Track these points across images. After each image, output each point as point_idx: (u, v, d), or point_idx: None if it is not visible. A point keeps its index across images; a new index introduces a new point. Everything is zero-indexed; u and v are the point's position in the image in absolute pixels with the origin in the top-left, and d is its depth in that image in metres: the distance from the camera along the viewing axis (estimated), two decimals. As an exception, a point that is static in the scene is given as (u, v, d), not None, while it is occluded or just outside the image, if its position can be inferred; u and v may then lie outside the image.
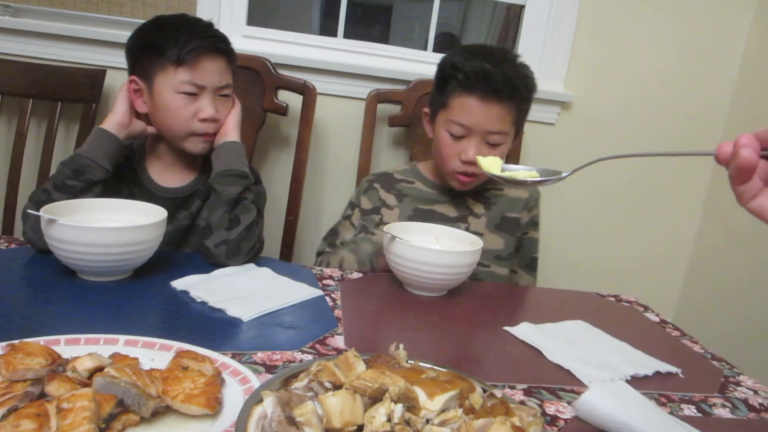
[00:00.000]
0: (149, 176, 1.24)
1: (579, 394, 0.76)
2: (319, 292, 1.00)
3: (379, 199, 1.35)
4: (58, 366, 0.58)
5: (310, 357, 0.77)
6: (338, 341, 0.84)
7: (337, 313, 0.94)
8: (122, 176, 1.21)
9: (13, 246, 1.03)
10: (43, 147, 1.62)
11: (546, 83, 1.85)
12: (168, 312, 0.85)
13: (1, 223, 1.60)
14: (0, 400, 0.51)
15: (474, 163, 1.21)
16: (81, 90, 1.64)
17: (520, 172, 0.96)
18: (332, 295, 1.01)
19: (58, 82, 1.62)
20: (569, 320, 1.03)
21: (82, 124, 1.65)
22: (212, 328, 0.81)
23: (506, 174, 0.98)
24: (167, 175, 1.24)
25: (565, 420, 0.71)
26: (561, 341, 0.92)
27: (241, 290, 0.96)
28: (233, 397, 0.60)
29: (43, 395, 0.55)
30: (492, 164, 1.00)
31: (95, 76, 1.66)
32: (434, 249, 1.05)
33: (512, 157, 1.77)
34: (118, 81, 1.73)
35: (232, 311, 0.86)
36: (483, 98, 1.20)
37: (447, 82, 1.24)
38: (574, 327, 1.00)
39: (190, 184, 1.25)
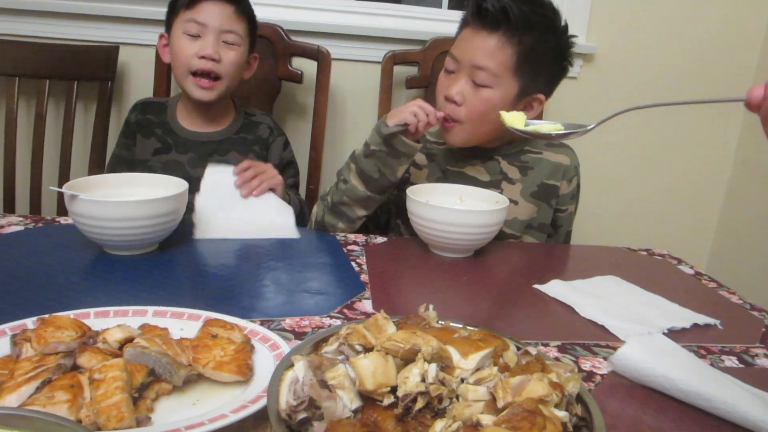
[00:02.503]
0: (180, 125, 1.34)
1: (615, 349, 0.75)
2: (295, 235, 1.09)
3: None
4: (88, 338, 0.58)
5: (338, 322, 0.77)
6: (366, 305, 0.83)
7: (363, 277, 0.93)
8: (154, 131, 1.33)
9: (40, 225, 1.03)
10: (63, 127, 1.63)
11: (567, 35, 1.78)
12: (194, 283, 0.85)
13: (28, 203, 1.61)
14: (34, 373, 0.51)
15: (456, 103, 1.12)
16: (96, 68, 1.63)
17: (544, 125, 0.93)
18: (357, 260, 1.00)
19: (73, 61, 1.62)
20: (600, 276, 1.00)
21: (99, 103, 1.65)
22: (239, 297, 0.81)
23: (530, 128, 0.94)
24: (197, 123, 1.34)
25: (602, 375, 0.69)
26: (593, 297, 0.90)
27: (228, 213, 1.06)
28: (264, 363, 0.60)
29: (75, 367, 0.55)
30: (515, 119, 0.96)
31: (109, 54, 1.65)
32: (458, 209, 1.03)
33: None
34: (131, 57, 1.72)
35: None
36: (475, 28, 1.11)
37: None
38: (606, 282, 0.98)
39: (222, 131, 1.35)
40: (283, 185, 1.18)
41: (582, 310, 0.86)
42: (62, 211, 1.36)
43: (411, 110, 1.09)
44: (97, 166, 1.64)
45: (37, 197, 1.62)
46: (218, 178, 1.09)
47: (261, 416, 0.53)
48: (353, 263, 0.98)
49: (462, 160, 1.24)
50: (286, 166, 1.41)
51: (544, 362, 0.56)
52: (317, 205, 1.21)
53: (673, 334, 0.80)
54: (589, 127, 0.89)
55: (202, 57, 1.22)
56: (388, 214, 1.30)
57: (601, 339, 0.78)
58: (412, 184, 1.23)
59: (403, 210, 1.10)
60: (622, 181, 1.97)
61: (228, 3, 1.24)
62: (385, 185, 1.13)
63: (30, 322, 0.61)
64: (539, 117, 1.71)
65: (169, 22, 1.29)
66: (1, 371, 0.53)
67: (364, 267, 0.97)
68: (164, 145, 1.33)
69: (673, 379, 0.62)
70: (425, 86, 1.69)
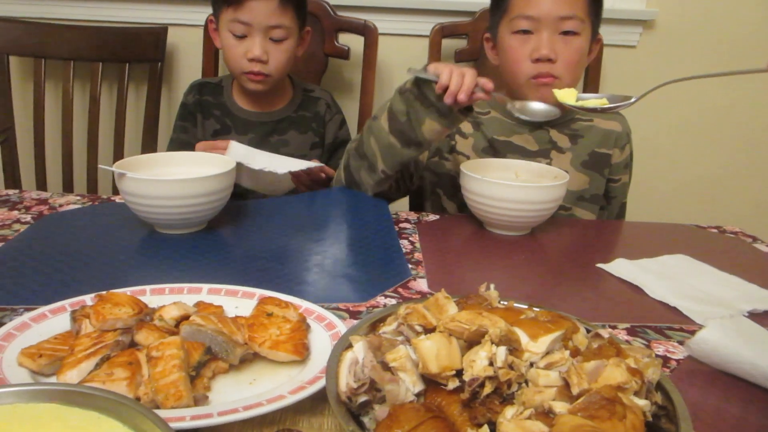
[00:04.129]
0: (238, 105, 1.34)
1: (690, 332, 0.70)
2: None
3: None
4: (145, 315, 0.57)
5: (393, 301, 0.74)
6: (421, 284, 0.80)
7: (417, 255, 0.90)
8: (212, 112, 1.33)
9: (96, 203, 1.05)
10: (116, 109, 1.66)
11: (624, 0, 1.68)
12: (244, 263, 0.83)
13: (85, 183, 1.66)
14: (93, 350, 0.51)
15: (550, 60, 1.08)
16: (145, 50, 1.65)
17: (590, 100, 0.97)
18: (410, 238, 0.97)
19: (124, 43, 1.63)
20: (669, 255, 0.94)
21: (149, 84, 1.67)
22: (290, 278, 0.79)
23: (579, 103, 0.98)
24: (255, 103, 1.34)
25: (678, 361, 0.65)
26: (663, 277, 0.85)
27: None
28: (320, 343, 0.58)
29: (132, 344, 0.55)
30: (567, 95, 0.99)
31: (158, 35, 1.66)
32: (516, 184, 0.99)
33: (591, 84, 1.64)
34: (179, 38, 1.73)
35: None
36: None
37: None
38: (675, 261, 0.92)
39: (281, 110, 1.34)
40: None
41: (651, 290, 0.80)
42: (118, 190, 1.38)
43: (450, 69, 0.94)
44: (149, 147, 1.66)
45: (94, 178, 1.66)
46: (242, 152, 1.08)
47: (319, 397, 0.51)
48: (405, 241, 0.95)
49: (509, 128, 1.19)
50: (339, 146, 1.38)
51: (618, 346, 0.52)
52: (346, 150, 1.14)
53: (755, 317, 0.74)
54: (633, 100, 0.90)
55: (251, 59, 1.21)
56: (421, 180, 1.23)
57: (674, 322, 0.73)
58: (458, 153, 1.19)
59: (445, 179, 1.06)
60: (684, 154, 1.86)
61: None
62: (408, 135, 0.99)
63: (88, 299, 0.62)
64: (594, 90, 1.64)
65: (215, 11, 1.26)
66: (61, 347, 0.53)
67: (417, 245, 0.94)
68: (223, 126, 1.33)
69: (762, 366, 0.57)
70: (475, 59, 1.64)
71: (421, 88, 0.98)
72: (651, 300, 0.79)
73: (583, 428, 0.41)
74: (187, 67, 1.76)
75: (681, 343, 0.68)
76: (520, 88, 1.14)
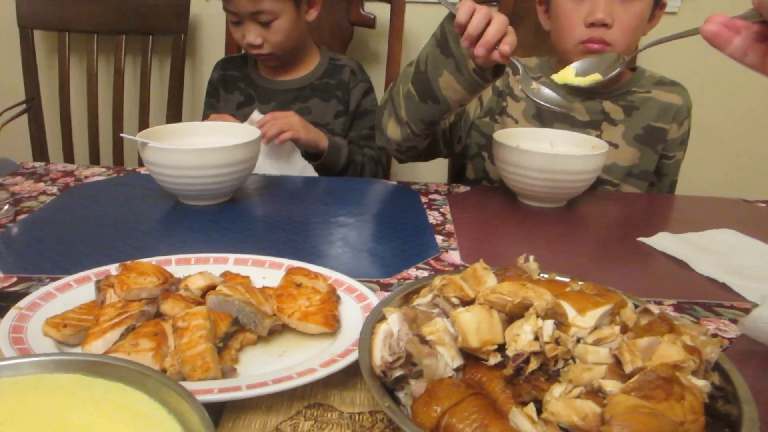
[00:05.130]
0: (262, 75, 1.33)
1: (742, 310, 0.66)
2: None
3: (507, 86, 1.15)
4: (170, 285, 0.55)
5: (425, 273, 0.72)
6: (453, 256, 0.77)
7: (449, 227, 0.87)
8: (236, 84, 1.33)
9: (122, 174, 1.04)
10: (141, 81, 1.64)
11: (668, -36, 1.59)
12: (269, 235, 0.81)
13: (111, 156, 1.65)
14: (118, 320, 0.49)
15: (605, 25, 1.00)
16: (168, 21, 1.62)
17: (588, 77, 0.89)
18: (440, 210, 0.94)
19: (146, 15, 1.61)
20: (714, 229, 0.89)
21: (173, 56, 1.64)
22: (315, 250, 0.77)
23: (576, 80, 0.89)
24: (279, 72, 1.33)
25: (730, 339, 0.61)
26: (709, 252, 0.80)
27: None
28: (351, 315, 0.56)
29: (158, 314, 0.53)
30: (564, 75, 0.90)
31: (180, 6, 1.63)
32: (552, 153, 0.94)
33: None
34: (202, 9, 1.70)
35: None
36: None
37: None
38: (722, 236, 0.87)
39: (304, 77, 1.32)
40: (301, 126, 1.13)
41: (698, 265, 0.76)
42: (143, 162, 1.37)
43: (471, 6, 0.78)
44: (173, 119, 1.65)
45: (120, 149, 1.66)
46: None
47: (350, 371, 0.49)
48: (436, 212, 0.92)
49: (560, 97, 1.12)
50: (362, 115, 1.35)
51: (671, 322, 0.48)
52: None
53: (812, 294, 0.70)
54: (617, 70, 0.86)
55: (248, 44, 1.23)
56: (470, 141, 1.16)
57: (724, 299, 0.69)
58: (508, 116, 1.14)
59: (491, 141, 0.99)
60: (734, 128, 1.77)
61: None
62: (425, 84, 0.87)
63: (113, 269, 0.60)
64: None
65: None
66: (86, 317, 0.51)
67: (448, 216, 0.91)
68: (247, 97, 1.32)
69: (826, 345, 0.53)
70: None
71: (444, 33, 0.83)
72: (698, 275, 0.75)
73: (640, 409, 0.37)
74: (211, 38, 1.74)
75: (734, 321, 0.64)
76: (567, 54, 1.06)
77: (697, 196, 1.10)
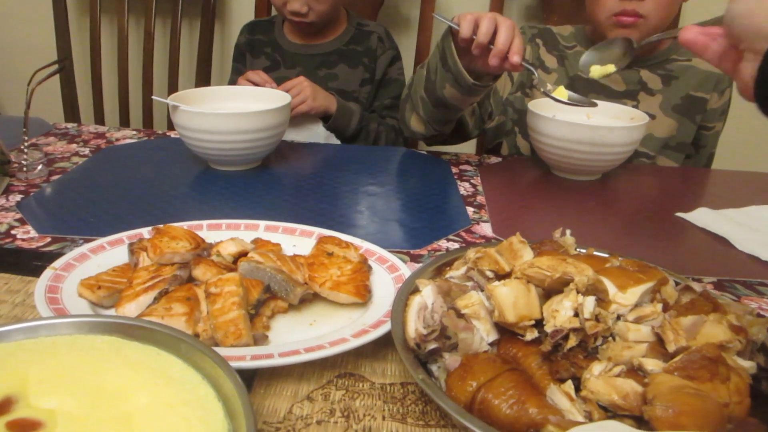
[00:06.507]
0: (288, 40, 1.31)
1: (787, 289, 0.63)
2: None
3: (537, 58, 1.12)
4: (202, 250, 0.55)
5: (456, 245, 0.70)
6: (485, 229, 0.76)
7: (480, 199, 0.85)
8: (263, 49, 1.32)
9: (152, 138, 1.04)
10: (170, 44, 1.63)
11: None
12: (298, 202, 0.81)
13: (141, 119, 1.66)
14: (151, 283, 0.49)
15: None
16: (199, -18, 1.60)
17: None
18: (471, 181, 0.92)
19: (177, -25, 1.59)
20: (756, 206, 0.86)
21: (203, 19, 1.62)
22: (343, 219, 0.76)
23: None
24: (306, 36, 1.30)
25: (773, 320, 0.58)
26: (751, 229, 0.77)
27: None
28: (382, 285, 0.55)
29: (190, 279, 0.53)
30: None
31: (210, -33, 1.60)
32: (587, 124, 0.91)
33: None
34: (233, -30, 1.67)
35: None
36: None
37: None
38: (764, 213, 0.83)
39: (330, 42, 1.29)
40: (311, 92, 1.10)
41: (739, 243, 0.73)
42: (172, 125, 1.37)
43: (476, 17, 0.80)
44: (202, 82, 1.64)
45: (149, 112, 1.66)
46: None
47: (381, 342, 0.48)
48: (467, 183, 0.90)
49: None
50: (387, 84, 1.32)
51: (715, 301, 0.47)
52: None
53: None
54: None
55: (291, 12, 1.19)
56: (504, 117, 1.15)
57: (766, 277, 0.67)
58: (539, 89, 1.10)
59: (523, 116, 0.96)
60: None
61: None
62: (434, 94, 0.90)
63: (146, 232, 0.60)
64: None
65: None
66: (119, 279, 0.51)
67: (479, 188, 0.89)
68: (273, 62, 1.30)
69: None
70: (543, -10, 1.51)
71: (443, 51, 0.85)
72: (739, 253, 0.72)
73: (684, 390, 0.36)
74: (242, 1, 1.71)
75: (777, 300, 0.61)
76: (600, 27, 1.03)
77: (735, 171, 1.05)
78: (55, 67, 0.80)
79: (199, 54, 1.64)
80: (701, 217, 0.81)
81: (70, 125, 1.09)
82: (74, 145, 0.98)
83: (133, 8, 1.63)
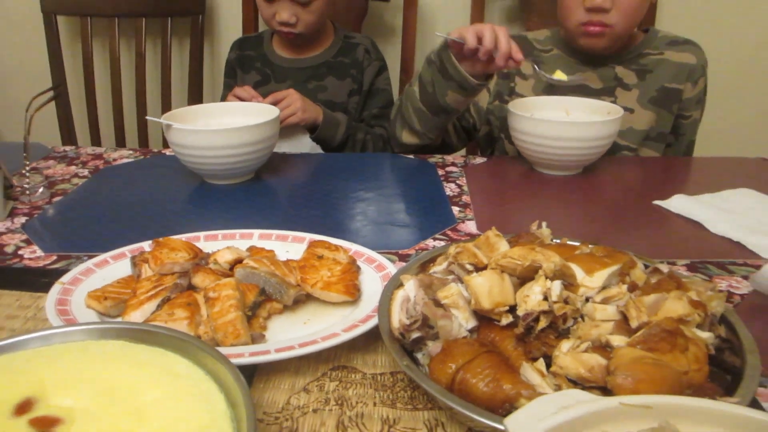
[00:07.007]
0: (277, 54, 1.34)
1: (756, 267, 0.67)
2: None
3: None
4: (200, 259, 0.59)
5: (442, 244, 0.74)
6: (470, 226, 0.79)
7: (465, 198, 0.89)
8: (253, 64, 1.35)
9: (148, 156, 1.07)
10: (162, 64, 1.67)
11: None
12: (291, 210, 0.84)
13: (136, 138, 1.70)
14: (153, 292, 0.53)
15: (603, 10, 1.01)
16: (186, 3, 1.64)
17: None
18: (457, 181, 0.95)
19: (165, -3, 1.63)
20: (731, 189, 0.89)
21: (192, 38, 1.67)
22: (336, 224, 0.80)
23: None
24: (294, 50, 1.34)
25: (741, 296, 0.62)
26: (724, 211, 0.81)
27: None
28: (371, 284, 0.59)
29: (190, 287, 0.56)
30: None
31: (197, -14, 1.64)
32: (563, 121, 0.95)
33: (646, 22, 1.54)
34: (218, -11, 1.71)
35: None
36: None
37: None
38: (738, 196, 0.87)
39: (319, 55, 1.33)
40: (300, 104, 1.13)
41: (712, 225, 0.77)
42: (168, 144, 1.41)
43: (477, 29, 0.92)
44: (194, 99, 1.68)
45: (144, 131, 1.70)
46: None
47: (372, 336, 0.52)
48: (453, 184, 0.94)
49: (570, 67, 1.13)
50: (374, 94, 1.35)
51: (679, 280, 0.50)
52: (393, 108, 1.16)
53: (826, 251, 0.70)
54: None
55: (280, 23, 1.23)
56: (489, 126, 1.21)
57: (738, 257, 0.70)
58: (518, 95, 1.15)
59: (505, 122, 1.02)
60: (754, 85, 1.73)
61: None
62: (434, 103, 1.01)
63: (146, 245, 0.64)
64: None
65: None
66: (124, 290, 0.55)
67: (465, 188, 0.93)
68: (263, 76, 1.34)
69: (835, 299, 0.54)
70: (520, -7, 1.56)
71: (442, 62, 0.97)
72: (712, 235, 0.76)
73: (643, 360, 0.40)
74: (229, 19, 1.75)
75: (745, 278, 0.65)
76: (570, 34, 1.09)
77: (714, 157, 1.09)
78: (51, 93, 0.83)
79: (190, 72, 1.68)
80: (677, 203, 0.85)
81: (68, 148, 1.12)
82: (73, 167, 1.01)
83: (124, 31, 1.67)
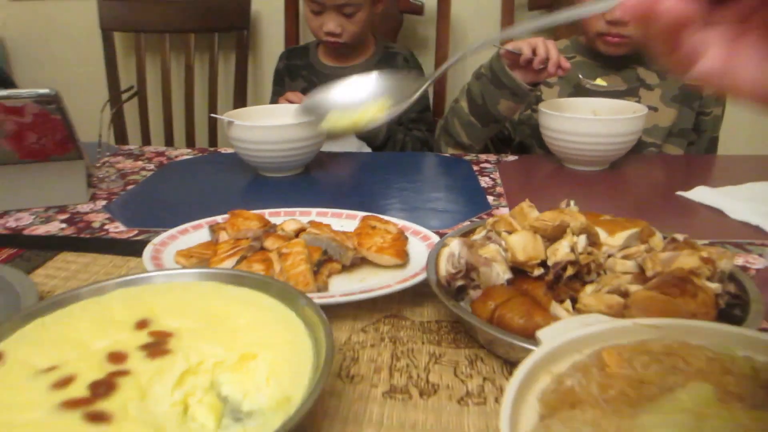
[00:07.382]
0: (322, 63, 1.46)
1: (770, 245, 0.72)
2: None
3: None
4: (269, 228, 0.67)
5: (478, 225, 0.81)
6: (504, 212, 0.86)
7: (499, 189, 0.96)
8: (300, 72, 1.47)
9: (206, 154, 1.18)
10: (209, 75, 1.79)
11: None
12: (338, 200, 0.93)
13: (184, 138, 1.81)
14: (232, 251, 0.61)
15: (622, 24, 1.09)
16: (232, 18, 1.76)
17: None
18: (491, 176, 1.03)
19: (211, 13, 1.76)
20: (753, 182, 0.95)
21: (238, 52, 1.79)
22: (382, 207, 0.88)
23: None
24: (338, 59, 1.46)
25: (756, 270, 0.68)
26: (746, 200, 0.86)
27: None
28: (417, 251, 0.66)
29: (262, 249, 0.65)
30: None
31: (242, 4, 1.76)
32: (591, 118, 1.02)
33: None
34: (262, 5, 1.84)
35: None
36: None
37: None
38: (760, 187, 0.92)
39: (361, 64, 1.45)
40: None
41: (733, 212, 0.83)
42: (212, 146, 1.52)
43: (531, 42, 1.04)
44: (239, 107, 1.79)
45: (192, 137, 1.82)
46: None
47: (419, 291, 0.60)
48: (487, 178, 1.02)
49: (594, 71, 1.20)
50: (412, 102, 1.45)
51: (694, 244, 0.56)
52: (437, 126, 1.28)
53: (839, 233, 0.76)
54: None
55: (326, 33, 1.33)
56: (522, 136, 1.29)
57: (756, 238, 0.76)
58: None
59: (536, 130, 1.10)
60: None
61: None
62: (485, 114, 1.12)
63: (219, 218, 0.73)
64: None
65: None
66: (205, 251, 0.64)
67: (498, 181, 1.00)
68: (310, 84, 1.45)
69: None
70: (548, 5, 1.64)
71: (494, 69, 1.08)
72: (732, 221, 0.81)
73: (655, 299, 0.46)
74: (272, 33, 1.87)
75: (761, 255, 0.71)
76: (591, 41, 1.18)
77: (738, 155, 1.14)
78: (132, 91, 0.94)
79: (236, 84, 1.80)
80: (700, 193, 0.90)
81: (133, 146, 1.24)
82: (140, 162, 1.12)
83: (174, 45, 1.81)
